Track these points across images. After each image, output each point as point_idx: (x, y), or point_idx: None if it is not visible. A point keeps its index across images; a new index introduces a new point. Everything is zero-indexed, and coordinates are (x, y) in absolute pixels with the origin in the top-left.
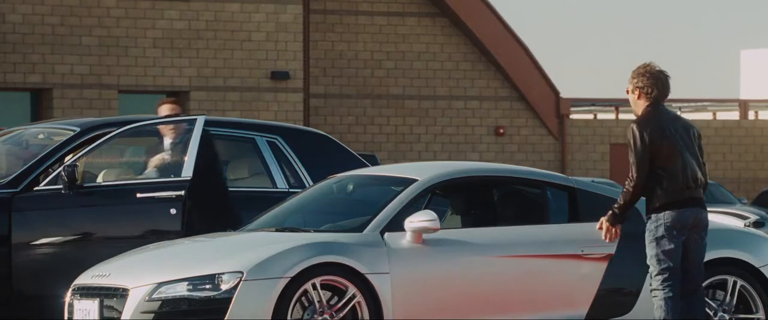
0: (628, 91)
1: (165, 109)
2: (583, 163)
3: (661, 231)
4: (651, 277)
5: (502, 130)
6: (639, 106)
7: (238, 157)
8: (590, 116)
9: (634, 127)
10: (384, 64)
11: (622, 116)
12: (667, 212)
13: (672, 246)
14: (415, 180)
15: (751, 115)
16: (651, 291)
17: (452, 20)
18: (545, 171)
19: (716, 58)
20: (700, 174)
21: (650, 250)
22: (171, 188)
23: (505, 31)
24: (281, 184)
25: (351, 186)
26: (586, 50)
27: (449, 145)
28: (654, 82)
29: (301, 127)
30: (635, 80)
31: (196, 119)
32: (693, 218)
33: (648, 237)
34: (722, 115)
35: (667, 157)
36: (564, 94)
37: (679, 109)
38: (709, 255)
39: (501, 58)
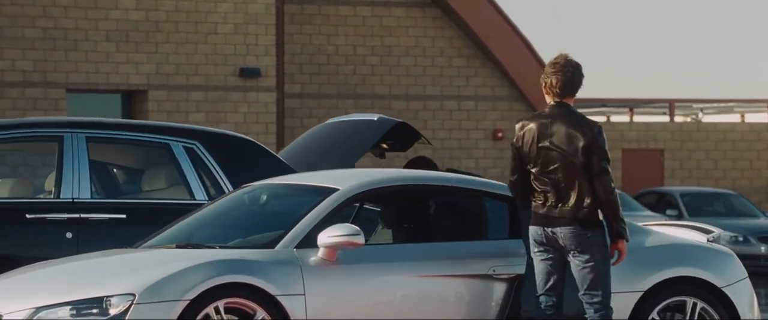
0: None
1: None
2: None
3: (531, 244)
4: None
5: (500, 134)
6: (547, 103)
7: (152, 165)
8: (600, 118)
9: (518, 122)
10: (368, 59)
11: (637, 118)
12: (530, 226)
13: (537, 260)
14: (336, 190)
15: None
16: None
17: (445, 11)
18: (484, 180)
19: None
20: (566, 192)
21: None
22: (64, 209)
23: (503, 23)
24: (200, 195)
25: (264, 197)
26: (597, 45)
27: (441, 150)
28: (555, 73)
29: (223, 131)
30: (542, 74)
31: (62, 136)
32: (548, 237)
33: None
34: (751, 117)
35: (536, 164)
36: None
37: (701, 110)
38: (666, 274)
39: (499, 54)
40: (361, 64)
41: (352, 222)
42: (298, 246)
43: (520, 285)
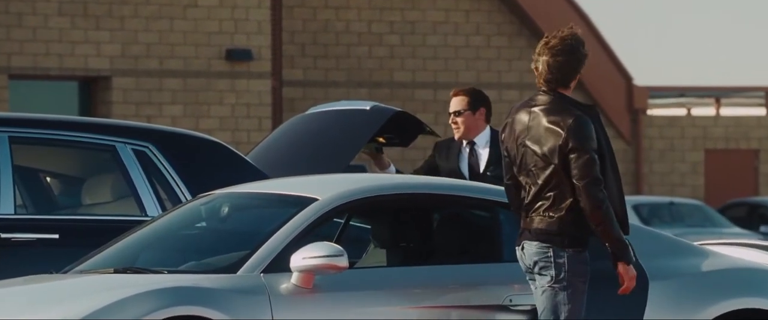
0: None
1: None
2: (667, 177)
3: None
4: None
5: None
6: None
7: (94, 172)
8: (679, 111)
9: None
10: (386, 39)
11: (725, 111)
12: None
13: (532, 287)
14: (314, 201)
15: None
16: None
17: None
18: (499, 188)
19: None
20: (535, 202)
21: None
22: None
23: None
24: (152, 209)
25: (226, 209)
26: (675, 22)
27: None
28: (542, 56)
29: (181, 130)
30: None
31: None
32: (521, 254)
33: None
34: None
35: (516, 164)
36: (639, 80)
37: None
38: (727, 306)
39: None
40: (378, 45)
41: (335, 242)
42: (266, 271)
43: None
